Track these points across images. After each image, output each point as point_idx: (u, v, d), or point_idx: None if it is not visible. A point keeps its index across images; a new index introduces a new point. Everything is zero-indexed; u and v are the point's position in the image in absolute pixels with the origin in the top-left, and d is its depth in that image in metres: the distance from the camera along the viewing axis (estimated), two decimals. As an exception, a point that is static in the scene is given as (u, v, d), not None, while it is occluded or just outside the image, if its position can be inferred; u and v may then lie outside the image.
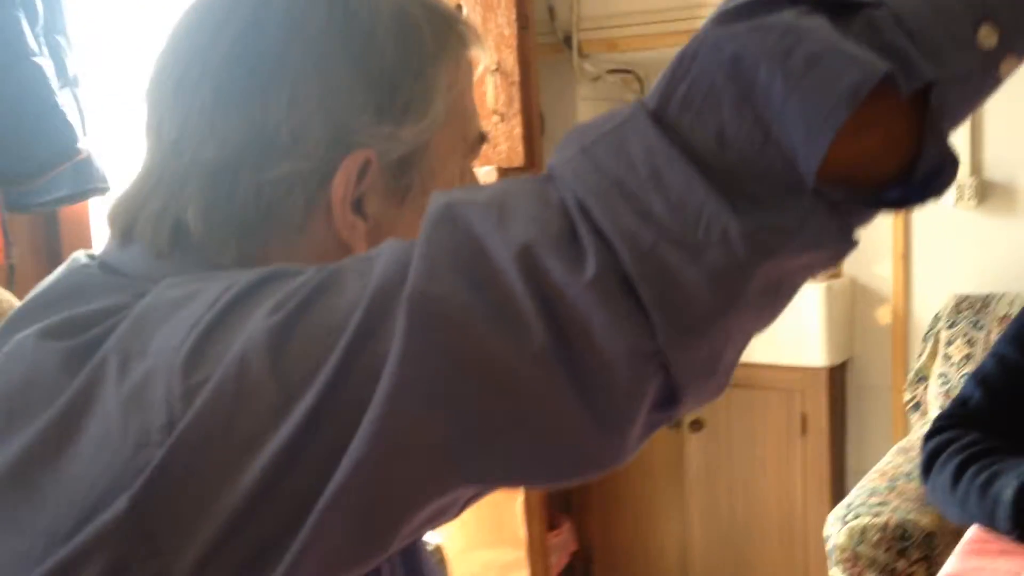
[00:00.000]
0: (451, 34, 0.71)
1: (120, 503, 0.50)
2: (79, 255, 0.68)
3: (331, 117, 0.65)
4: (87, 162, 1.86)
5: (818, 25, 0.49)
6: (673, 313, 0.49)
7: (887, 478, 2.03)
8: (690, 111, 0.50)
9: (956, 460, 1.54)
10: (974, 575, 1.35)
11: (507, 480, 0.53)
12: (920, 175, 0.51)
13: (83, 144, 1.81)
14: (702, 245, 0.48)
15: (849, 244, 0.51)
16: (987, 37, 0.50)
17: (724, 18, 0.51)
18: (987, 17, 0.50)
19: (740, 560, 2.77)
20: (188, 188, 0.65)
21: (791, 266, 0.51)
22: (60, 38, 1.90)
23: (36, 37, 1.78)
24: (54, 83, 1.78)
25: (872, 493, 1.96)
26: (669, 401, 0.52)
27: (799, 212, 0.49)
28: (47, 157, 1.73)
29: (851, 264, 2.74)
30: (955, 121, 0.52)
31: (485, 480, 0.53)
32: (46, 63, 1.78)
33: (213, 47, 0.65)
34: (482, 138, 0.74)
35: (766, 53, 0.48)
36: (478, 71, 0.74)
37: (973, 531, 1.49)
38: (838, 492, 2.58)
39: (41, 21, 1.82)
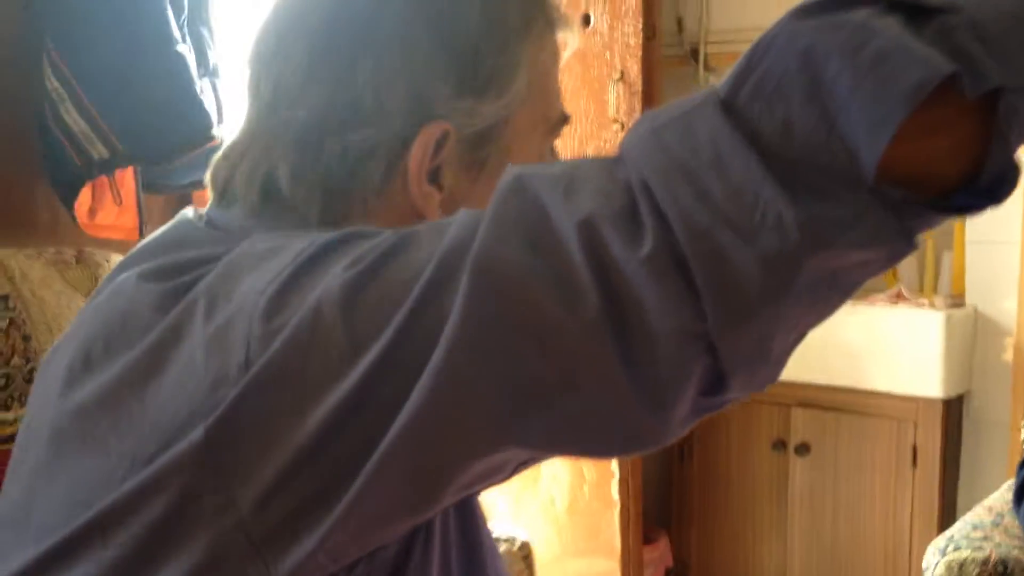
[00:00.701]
0: (538, 12, 0.72)
1: (196, 434, 0.55)
2: (187, 211, 0.73)
3: (413, 86, 0.67)
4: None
5: (891, 24, 0.49)
6: (723, 295, 0.50)
7: (993, 513, 1.97)
8: (760, 100, 0.51)
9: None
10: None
11: (554, 445, 0.55)
12: (985, 183, 0.51)
13: (218, 132, 1.91)
14: (757, 229, 0.49)
15: (907, 245, 0.51)
16: None
17: (801, 14, 0.52)
18: None
19: (839, 589, 2.71)
20: (279, 147, 0.69)
21: (846, 261, 0.51)
22: (203, 29, 2.01)
23: (180, 27, 1.89)
24: (195, 72, 1.88)
25: (976, 527, 1.90)
26: (717, 386, 0.54)
27: (856, 207, 0.50)
28: (183, 141, 1.83)
29: (975, 295, 2.66)
30: None
31: (533, 443, 0.55)
32: (188, 52, 1.88)
33: (310, 13, 0.69)
34: (564, 119, 0.75)
35: (838, 47, 0.49)
36: (565, 54, 0.75)
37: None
38: (946, 527, 2.50)
39: (186, 12, 1.93)
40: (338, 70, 0.67)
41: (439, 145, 0.69)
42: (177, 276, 0.62)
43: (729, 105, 0.52)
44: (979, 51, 0.49)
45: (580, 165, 0.55)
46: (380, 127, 0.68)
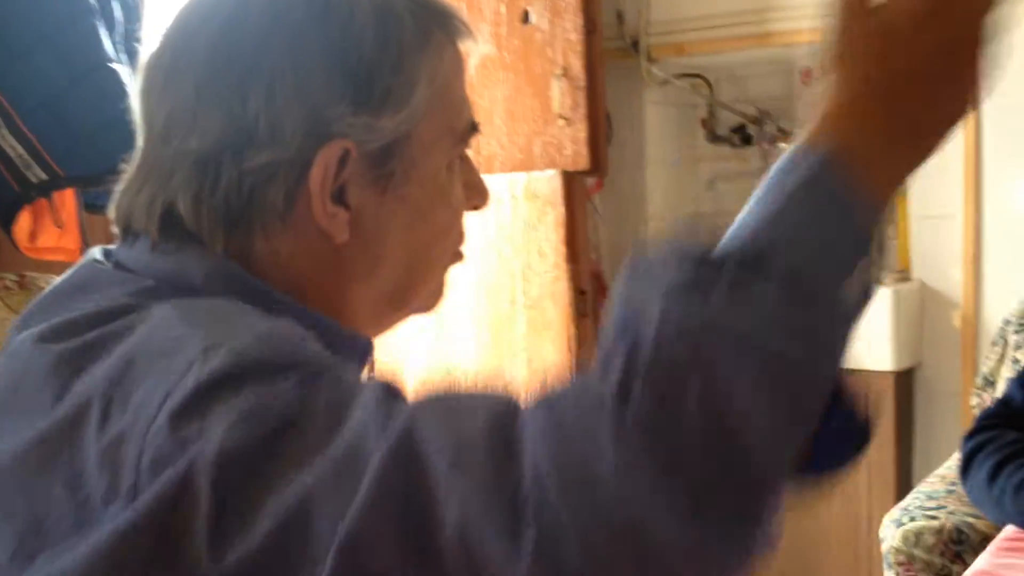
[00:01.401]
0: (434, 25, 0.72)
1: (81, 550, 0.54)
2: (95, 251, 0.72)
3: (307, 108, 0.66)
4: (162, 164, 1.95)
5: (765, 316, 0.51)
6: None
7: (947, 482, 2.01)
8: (652, 414, 0.49)
9: (993, 459, 1.53)
10: (1005, 571, 1.34)
11: None
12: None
13: (157, 147, 1.90)
14: (641, 548, 0.48)
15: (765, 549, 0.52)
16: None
17: (674, 297, 0.51)
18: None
19: (802, 564, 2.75)
20: (176, 177, 0.67)
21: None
22: (139, 45, 2.00)
23: (115, 44, 1.88)
24: (130, 88, 1.87)
25: (930, 497, 1.94)
26: None
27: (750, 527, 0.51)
28: (122, 159, 1.82)
29: (920, 268, 2.71)
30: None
31: None
32: (124, 69, 1.87)
33: (197, 40, 0.69)
34: (473, 129, 0.75)
35: (743, 373, 0.50)
36: (471, 62, 0.75)
37: (1008, 529, 1.47)
38: (903, 497, 2.55)
39: (119, 28, 1.92)
40: (228, 99, 0.66)
41: (341, 163, 0.68)
42: (75, 336, 0.61)
43: (623, 402, 0.49)
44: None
45: (477, 431, 0.51)
46: (276, 151, 0.67)
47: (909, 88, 0.57)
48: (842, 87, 0.57)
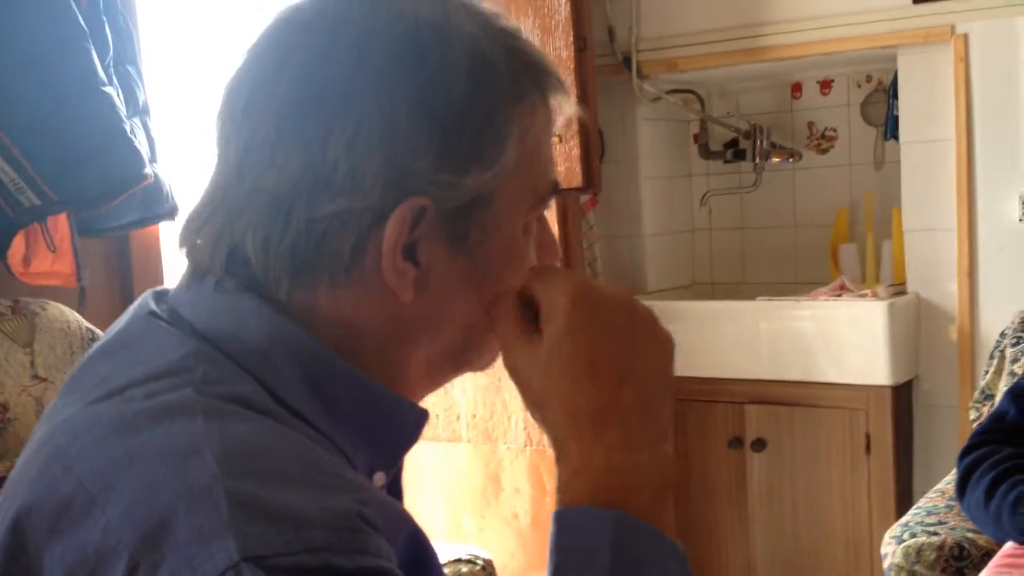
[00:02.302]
0: (529, 82, 0.67)
1: None
2: (147, 298, 0.70)
3: (390, 159, 0.63)
4: (155, 188, 1.95)
5: None
6: None
7: (946, 497, 2.00)
8: None
9: (989, 476, 1.52)
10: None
11: None
12: None
13: (150, 170, 1.89)
14: None
15: None
16: None
17: None
18: None
19: (804, 581, 2.74)
20: (246, 214, 0.65)
21: None
22: (130, 68, 1.99)
23: (106, 68, 1.87)
24: (123, 111, 1.86)
25: (930, 512, 1.93)
26: None
27: None
28: (115, 183, 1.81)
29: (916, 282, 2.71)
30: None
31: None
32: (115, 92, 1.86)
33: (280, 76, 0.65)
34: (555, 189, 0.71)
35: None
36: (559, 121, 0.71)
37: (1008, 545, 1.47)
38: (903, 512, 2.54)
39: (111, 52, 1.91)
40: (308, 141, 0.63)
41: (417, 219, 0.64)
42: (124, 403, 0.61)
43: None
44: None
45: None
46: (352, 200, 0.63)
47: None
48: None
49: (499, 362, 0.73)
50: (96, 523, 0.55)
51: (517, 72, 0.67)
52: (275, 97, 0.65)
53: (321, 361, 0.65)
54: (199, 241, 0.67)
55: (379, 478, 0.70)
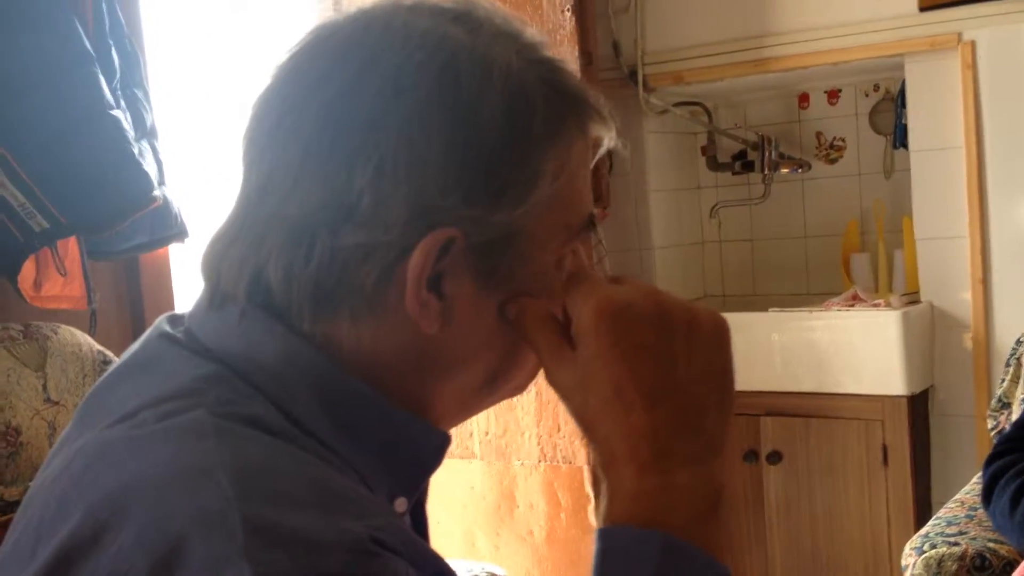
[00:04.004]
0: (569, 114, 0.65)
1: None
2: (162, 322, 0.69)
3: (416, 193, 0.61)
4: (164, 210, 1.95)
5: None
6: None
7: (966, 507, 1.98)
8: None
9: (1014, 484, 1.50)
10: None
11: None
12: None
13: (159, 193, 1.89)
14: None
15: None
16: None
17: None
18: None
19: (823, 594, 2.72)
20: (268, 241, 0.63)
21: None
22: (138, 91, 2.00)
23: (113, 91, 1.88)
24: (131, 134, 1.86)
25: (950, 523, 1.91)
26: None
27: None
28: (125, 206, 1.81)
29: (929, 290, 2.69)
30: None
31: None
32: (123, 116, 1.87)
33: (309, 103, 0.63)
34: (590, 222, 0.68)
35: None
36: (600, 151, 0.69)
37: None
38: (922, 522, 2.51)
39: (118, 75, 1.92)
40: (333, 170, 0.61)
41: (443, 251, 0.62)
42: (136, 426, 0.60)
43: None
44: None
45: None
46: (376, 232, 0.61)
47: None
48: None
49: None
50: (108, 549, 0.54)
51: (556, 106, 0.64)
52: (303, 123, 0.63)
53: (338, 383, 0.64)
54: (223, 267, 0.65)
55: (400, 503, 0.68)
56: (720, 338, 0.64)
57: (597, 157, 0.69)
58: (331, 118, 0.62)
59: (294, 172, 0.63)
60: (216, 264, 0.66)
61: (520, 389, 0.73)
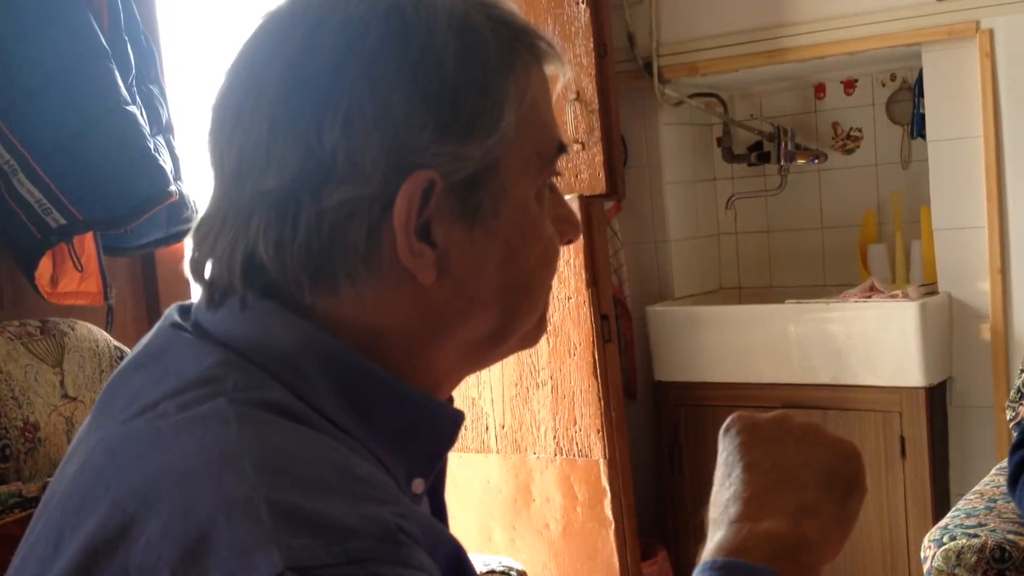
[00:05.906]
0: (520, 45, 0.67)
1: None
2: (172, 312, 0.69)
3: (388, 138, 0.62)
4: (180, 205, 1.95)
5: None
6: None
7: (985, 499, 1.97)
8: None
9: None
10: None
11: None
12: None
13: (175, 188, 1.90)
14: None
15: None
16: None
17: None
18: None
19: (841, 587, 2.71)
20: (254, 221, 0.64)
21: None
22: (153, 87, 2.00)
23: (129, 87, 1.88)
24: (146, 130, 1.87)
25: (969, 515, 1.90)
26: None
27: None
28: (141, 201, 1.82)
29: (947, 281, 2.67)
30: None
31: None
32: (139, 111, 1.87)
33: (267, 73, 0.64)
34: (560, 150, 0.70)
35: None
36: (557, 87, 0.71)
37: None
38: (941, 515, 2.50)
39: (134, 71, 1.92)
40: (303, 133, 0.62)
41: (426, 197, 0.63)
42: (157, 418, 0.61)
43: None
44: None
45: None
46: (357, 186, 0.62)
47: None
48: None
49: (530, 362, 0.73)
50: (136, 542, 0.54)
51: (505, 38, 0.67)
52: (264, 97, 0.64)
53: (351, 366, 0.64)
54: (214, 262, 0.66)
55: (418, 484, 0.69)
56: (833, 449, 0.74)
57: (555, 93, 0.71)
58: (291, 82, 0.64)
59: (265, 145, 0.63)
60: (205, 260, 0.67)
61: (528, 341, 0.74)
